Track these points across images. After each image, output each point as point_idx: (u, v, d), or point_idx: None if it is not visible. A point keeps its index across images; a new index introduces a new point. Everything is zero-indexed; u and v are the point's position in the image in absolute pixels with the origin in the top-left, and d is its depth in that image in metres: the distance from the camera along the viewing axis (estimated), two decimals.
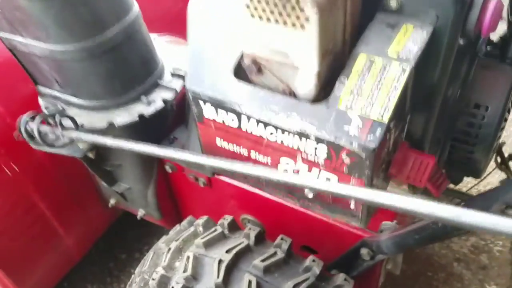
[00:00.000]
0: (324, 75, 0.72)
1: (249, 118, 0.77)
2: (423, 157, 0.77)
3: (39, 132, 1.10)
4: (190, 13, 0.84)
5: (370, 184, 0.75)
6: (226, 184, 1.30)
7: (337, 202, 0.81)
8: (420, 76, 0.79)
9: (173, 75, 1.24)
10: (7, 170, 1.31)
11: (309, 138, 0.73)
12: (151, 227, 1.84)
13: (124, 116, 1.15)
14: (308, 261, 1.01)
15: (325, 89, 0.74)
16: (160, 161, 1.38)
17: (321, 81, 0.72)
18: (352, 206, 0.80)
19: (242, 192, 1.28)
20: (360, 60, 0.72)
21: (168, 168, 1.38)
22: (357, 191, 0.53)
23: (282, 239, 1.05)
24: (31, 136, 1.13)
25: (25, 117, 1.12)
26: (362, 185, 0.75)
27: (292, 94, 0.76)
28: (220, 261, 0.97)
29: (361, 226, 0.83)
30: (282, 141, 0.77)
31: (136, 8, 1.13)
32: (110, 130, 1.16)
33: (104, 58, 1.08)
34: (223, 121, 0.81)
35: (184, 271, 0.98)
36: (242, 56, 0.77)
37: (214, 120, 0.82)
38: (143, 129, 1.24)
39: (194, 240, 1.06)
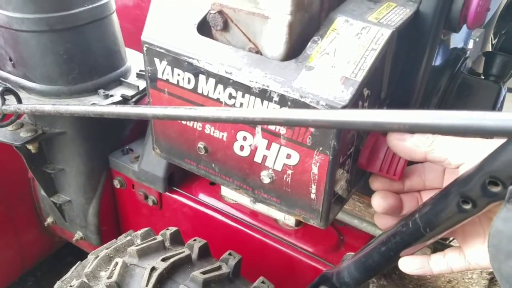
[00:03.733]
0: (296, 33, 0.65)
1: (207, 76, 0.68)
2: None
3: None
4: None
5: (336, 165, 0.64)
6: (178, 204, 1.17)
7: (297, 189, 0.68)
8: (400, 64, 0.73)
9: (139, 75, 1.16)
10: None
11: (271, 100, 0.63)
12: None
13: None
14: (257, 282, 0.86)
15: (295, 56, 0.66)
16: (108, 175, 1.25)
17: (292, 38, 0.64)
18: (313, 195, 0.67)
19: (195, 213, 1.15)
20: (337, 22, 0.65)
21: (116, 183, 1.25)
22: (319, 114, 0.42)
23: (230, 254, 0.90)
24: None
25: None
26: (326, 164, 0.64)
27: (259, 54, 0.68)
28: (153, 269, 0.82)
29: (320, 226, 0.70)
30: (241, 106, 0.66)
31: None
32: (58, 117, 1.05)
33: (64, 35, 1.00)
34: (177, 82, 0.71)
35: (108, 277, 0.82)
36: (208, 11, 0.70)
37: (167, 82, 0.72)
38: (94, 129, 1.13)
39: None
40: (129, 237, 0.94)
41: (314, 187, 0.66)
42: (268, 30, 0.65)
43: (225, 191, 1.15)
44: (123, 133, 1.24)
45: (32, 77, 1.04)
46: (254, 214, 1.13)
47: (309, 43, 0.65)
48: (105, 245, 0.96)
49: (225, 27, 0.69)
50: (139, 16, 1.75)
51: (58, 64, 1.02)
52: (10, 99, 0.97)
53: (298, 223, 1.09)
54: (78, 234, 1.31)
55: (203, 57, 0.67)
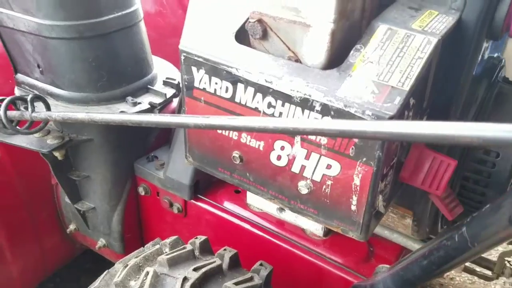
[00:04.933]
0: (338, 41, 0.64)
1: (246, 85, 0.67)
2: (444, 158, 0.65)
3: (6, 117, 0.96)
4: None
5: (380, 175, 0.62)
6: (203, 212, 1.16)
7: (336, 200, 0.67)
8: (441, 72, 0.71)
9: (165, 83, 1.16)
10: None
11: (313, 109, 0.62)
12: None
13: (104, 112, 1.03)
14: None
15: (335, 65, 0.65)
16: (133, 182, 1.24)
17: (334, 46, 0.63)
18: (353, 207, 0.66)
19: (221, 221, 1.14)
20: (380, 30, 0.64)
21: (141, 190, 1.24)
22: (368, 125, 0.41)
23: (261, 265, 0.88)
24: None
25: None
26: (370, 176, 0.62)
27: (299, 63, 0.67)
28: (185, 279, 0.80)
29: (360, 238, 0.69)
30: (280, 115, 0.65)
31: (137, 4, 1.07)
32: (85, 124, 1.04)
33: (94, 42, 1.00)
34: (215, 91, 0.70)
35: (140, 287, 0.81)
36: (246, 20, 0.69)
37: (204, 91, 0.72)
38: (121, 137, 1.13)
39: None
40: (157, 246, 0.93)
41: (355, 198, 0.65)
42: (309, 38, 0.64)
43: (251, 199, 1.14)
44: (148, 141, 1.24)
45: (60, 84, 1.04)
46: (280, 223, 1.11)
47: (352, 52, 0.63)
48: (133, 253, 0.95)
49: (264, 35, 0.68)
50: (161, 24, 1.76)
51: (87, 71, 1.02)
52: (38, 105, 0.97)
53: (326, 233, 1.07)
54: (101, 241, 1.30)
55: (242, 66, 0.66)
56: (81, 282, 1.79)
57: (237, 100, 0.69)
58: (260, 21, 0.67)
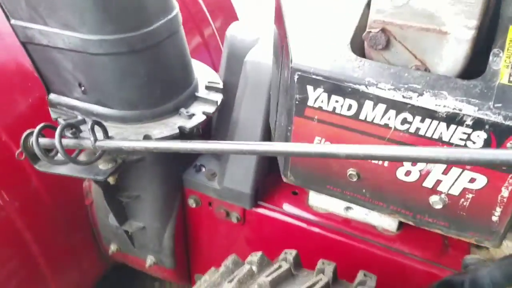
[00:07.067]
0: (475, 47, 0.60)
1: (376, 102, 0.62)
2: None
3: (62, 147, 0.86)
4: None
5: None
6: (264, 217, 1.11)
7: (475, 212, 0.64)
8: None
9: (208, 88, 1.08)
10: None
11: (462, 124, 0.58)
12: None
13: (161, 129, 0.95)
14: None
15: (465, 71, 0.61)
16: (182, 195, 1.18)
17: (471, 52, 0.59)
18: (495, 218, 0.64)
19: (284, 225, 1.10)
20: None
21: (191, 203, 1.18)
22: None
23: (365, 275, 0.86)
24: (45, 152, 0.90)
25: (37, 129, 0.88)
26: None
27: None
28: None
29: (495, 246, 0.67)
30: (417, 131, 0.61)
31: (177, 7, 0.98)
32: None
33: (146, 55, 0.91)
34: (333, 110, 0.65)
35: None
36: (359, 29, 0.63)
37: (320, 110, 0.66)
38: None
39: (252, 280, 0.85)
40: (248, 267, 0.88)
41: (499, 210, 0.63)
42: (445, 46, 0.60)
43: (314, 200, 1.10)
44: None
45: (109, 103, 0.95)
46: (348, 222, 1.08)
47: (491, 57, 0.60)
48: (215, 278, 0.90)
49: (387, 45, 0.63)
50: None
51: (139, 86, 0.93)
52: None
53: (398, 227, 1.05)
54: (150, 259, 1.23)
55: (372, 82, 0.61)
56: None
57: (361, 117, 0.64)
58: (383, 30, 0.62)
